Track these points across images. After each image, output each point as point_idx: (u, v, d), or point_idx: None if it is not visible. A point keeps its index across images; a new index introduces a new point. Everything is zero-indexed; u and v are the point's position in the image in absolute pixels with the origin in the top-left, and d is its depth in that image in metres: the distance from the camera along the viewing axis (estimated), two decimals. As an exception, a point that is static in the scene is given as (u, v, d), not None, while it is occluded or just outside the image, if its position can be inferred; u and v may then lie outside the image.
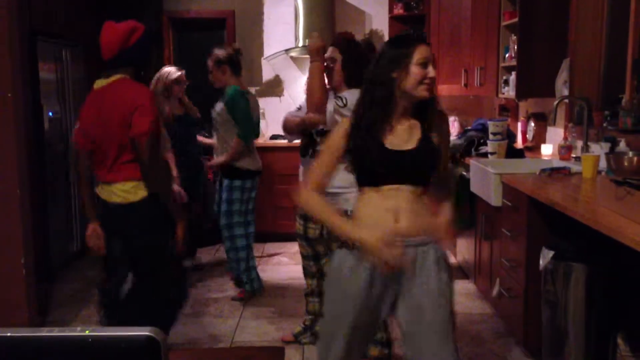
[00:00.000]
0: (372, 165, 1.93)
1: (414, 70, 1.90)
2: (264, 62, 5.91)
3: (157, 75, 4.25)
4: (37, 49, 4.38)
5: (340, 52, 2.89)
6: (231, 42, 5.26)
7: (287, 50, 5.76)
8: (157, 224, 2.75)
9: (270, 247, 5.39)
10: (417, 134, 1.96)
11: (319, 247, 3.25)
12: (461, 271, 4.56)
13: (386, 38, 5.83)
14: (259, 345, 3.38)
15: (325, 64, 2.93)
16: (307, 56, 5.78)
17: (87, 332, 1.04)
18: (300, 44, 5.58)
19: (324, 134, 2.94)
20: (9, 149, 3.28)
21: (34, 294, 3.48)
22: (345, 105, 2.77)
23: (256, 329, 3.65)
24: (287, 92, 5.96)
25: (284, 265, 4.94)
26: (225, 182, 4.00)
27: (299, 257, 5.08)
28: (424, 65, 1.90)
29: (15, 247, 3.33)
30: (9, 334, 1.04)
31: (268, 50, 5.89)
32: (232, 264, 4.13)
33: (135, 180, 2.66)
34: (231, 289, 4.29)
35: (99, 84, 2.72)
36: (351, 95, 2.83)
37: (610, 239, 2.12)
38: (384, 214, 1.91)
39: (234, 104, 3.87)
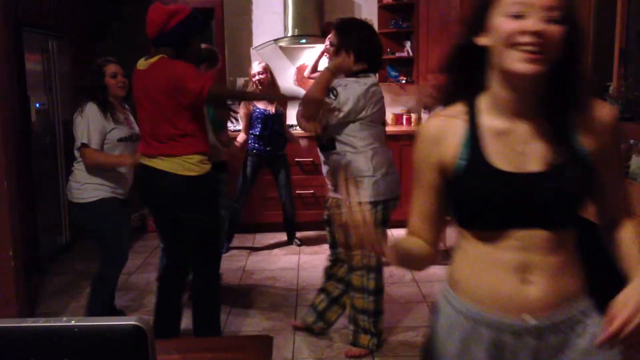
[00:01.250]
0: (479, 199, 1.23)
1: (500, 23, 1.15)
2: (253, 52, 5.88)
3: None
4: (23, 39, 4.34)
5: (338, 36, 2.84)
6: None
7: (276, 40, 5.73)
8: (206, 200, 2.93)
9: (260, 237, 5.39)
10: (548, 143, 1.21)
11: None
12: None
13: (375, 27, 5.81)
14: (249, 335, 3.38)
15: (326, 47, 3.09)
16: (296, 46, 5.80)
17: (72, 322, 1.04)
18: (290, 33, 5.55)
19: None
20: (-5, 141, 3.25)
21: (23, 287, 3.46)
22: (335, 99, 2.76)
23: (246, 319, 3.65)
24: (277, 82, 5.93)
25: (273, 255, 4.94)
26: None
27: (288, 248, 5.12)
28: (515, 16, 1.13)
29: (4, 240, 3.31)
30: (-6, 325, 1.04)
31: (257, 40, 5.86)
32: None
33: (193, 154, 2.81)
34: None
35: (141, 64, 2.87)
36: (345, 90, 2.79)
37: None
38: (504, 275, 1.22)
39: None
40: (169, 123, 2.78)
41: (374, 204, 2.89)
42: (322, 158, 3.11)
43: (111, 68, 3.22)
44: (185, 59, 2.80)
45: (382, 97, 3.03)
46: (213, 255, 3.09)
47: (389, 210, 2.96)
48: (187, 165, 2.80)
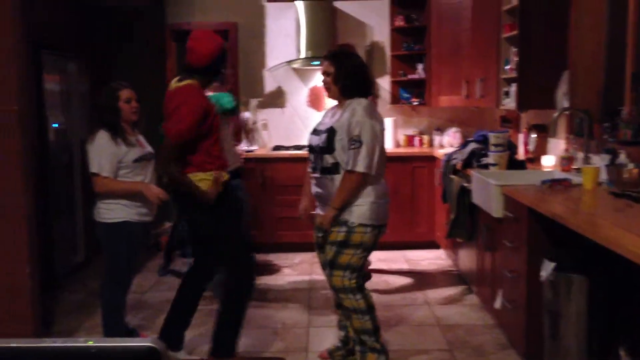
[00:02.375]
0: None
1: None
2: (266, 73, 5.95)
3: None
4: (41, 61, 4.43)
5: (333, 65, 2.95)
6: None
7: (289, 62, 5.80)
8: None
9: (273, 257, 5.40)
10: None
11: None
12: (463, 282, 4.56)
13: (387, 50, 5.87)
14: (261, 356, 3.38)
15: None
16: (309, 67, 5.86)
17: (90, 342, 1.06)
18: (302, 55, 5.62)
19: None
20: (14, 161, 3.31)
21: (39, 305, 3.50)
22: (360, 144, 2.86)
23: (259, 339, 3.65)
24: (290, 103, 6.00)
25: (286, 275, 4.95)
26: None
27: (301, 268, 5.13)
28: None
29: (21, 257, 3.35)
30: (13, 345, 1.06)
31: (270, 62, 5.94)
32: None
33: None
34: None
35: (175, 84, 3.00)
36: (365, 130, 2.89)
37: (610, 250, 2.13)
38: None
39: None
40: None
41: (374, 227, 2.97)
42: (313, 180, 3.10)
43: (125, 93, 3.23)
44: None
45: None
46: (239, 270, 3.18)
47: (380, 234, 3.06)
48: (202, 180, 2.96)
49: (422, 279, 4.78)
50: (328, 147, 2.93)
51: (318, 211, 3.13)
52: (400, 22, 5.75)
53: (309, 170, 3.13)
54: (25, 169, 3.35)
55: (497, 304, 3.47)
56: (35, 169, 3.62)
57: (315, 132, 3.09)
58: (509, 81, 4.37)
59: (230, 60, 5.86)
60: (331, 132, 2.93)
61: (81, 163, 4.96)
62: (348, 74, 2.96)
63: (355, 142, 2.86)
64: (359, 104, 2.95)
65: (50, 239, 4.49)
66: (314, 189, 3.10)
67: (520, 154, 4.66)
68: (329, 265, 3.05)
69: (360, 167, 2.85)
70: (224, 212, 3.07)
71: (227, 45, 3.09)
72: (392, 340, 3.61)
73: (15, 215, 3.33)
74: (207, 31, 3.03)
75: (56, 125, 4.67)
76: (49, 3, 4.67)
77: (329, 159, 2.95)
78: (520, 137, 4.80)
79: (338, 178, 2.94)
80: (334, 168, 2.95)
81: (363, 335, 3.07)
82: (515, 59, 4.17)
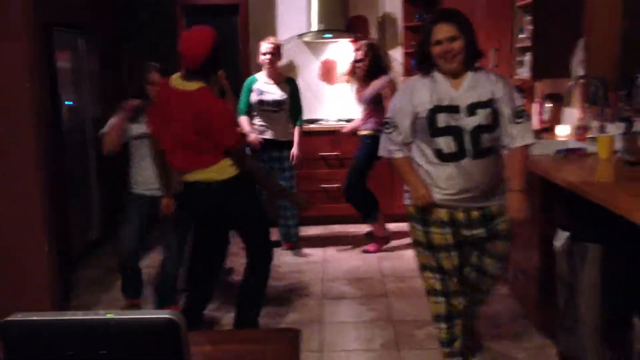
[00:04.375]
0: None
1: None
2: (277, 47, 5.91)
3: None
4: (52, 38, 4.43)
5: (459, 29, 2.69)
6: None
7: (300, 36, 5.75)
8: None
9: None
10: None
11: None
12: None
13: (399, 21, 5.80)
14: (277, 328, 3.43)
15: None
16: (320, 41, 5.81)
17: (109, 315, 1.08)
18: (314, 28, 5.57)
19: None
20: (29, 139, 3.33)
21: (57, 281, 3.56)
22: (529, 118, 2.65)
23: (274, 312, 3.69)
24: (301, 77, 5.96)
25: (300, 248, 4.98)
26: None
27: (314, 241, 5.15)
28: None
29: (39, 236, 3.40)
30: (34, 318, 1.09)
31: (281, 36, 5.88)
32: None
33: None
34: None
35: (179, 84, 2.92)
36: (392, 113, 2.71)
37: (625, 220, 2.12)
38: None
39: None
40: (196, 143, 2.91)
41: None
42: (451, 167, 2.56)
43: (154, 76, 3.36)
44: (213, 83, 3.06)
45: None
46: (264, 247, 3.23)
47: None
48: (223, 170, 2.95)
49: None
50: (493, 124, 2.53)
51: (457, 204, 2.60)
52: (411, -8, 5.66)
53: (431, 154, 2.57)
54: (39, 148, 3.37)
55: None
56: (49, 147, 3.65)
57: (451, 109, 2.51)
58: (523, 50, 4.31)
59: (241, 35, 5.82)
60: (494, 107, 2.52)
61: (94, 140, 5.00)
62: (474, 38, 2.61)
63: (521, 113, 2.56)
64: (495, 74, 2.63)
65: (65, 217, 4.54)
66: (455, 180, 2.54)
67: (535, 124, 4.61)
68: (502, 259, 2.74)
69: (531, 139, 2.58)
70: (250, 202, 3.12)
71: (217, 35, 2.98)
72: (407, 310, 3.64)
73: (31, 193, 3.36)
74: (194, 30, 2.94)
75: (69, 102, 4.69)
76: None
77: (487, 138, 2.52)
78: (535, 107, 4.75)
79: (494, 159, 2.59)
80: (493, 148, 2.57)
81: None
82: (530, 27, 4.11)
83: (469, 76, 2.56)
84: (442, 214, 2.61)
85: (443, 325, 2.78)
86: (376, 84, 4.54)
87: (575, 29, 3.97)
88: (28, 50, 3.29)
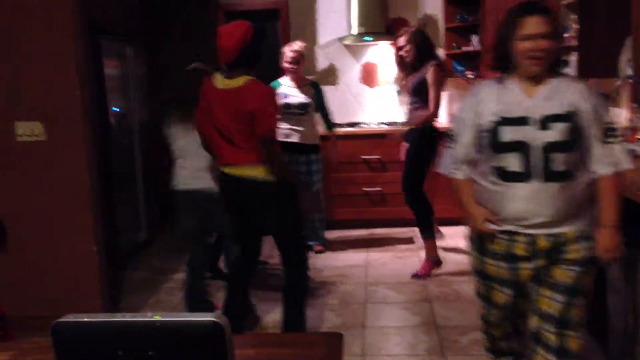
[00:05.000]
0: None
1: None
2: (317, 50, 5.94)
3: None
4: (100, 46, 4.55)
5: (551, 24, 2.37)
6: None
7: (340, 39, 5.76)
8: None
9: (328, 234, 5.43)
10: None
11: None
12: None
13: (440, 22, 5.75)
14: (319, 331, 3.44)
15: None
16: (360, 44, 5.81)
17: (156, 317, 1.11)
18: (354, 31, 5.57)
19: None
20: (79, 145, 3.45)
21: (106, 282, 3.66)
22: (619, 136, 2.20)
23: (317, 316, 3.70)
24: (342, 80, 5.97)
25: (342, 252, 4.98)
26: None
27: (356, 244, 5.15)
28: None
29: (87, 236, 3.51)
30: (85, 320, 1.12)
31: (322, 39, 5.92)
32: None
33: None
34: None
35: (222, 83, 2.96)
36: (454, 125, 2.40)
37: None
38: None
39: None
40: (248, 139, 2.95)
41: None
42: (515, 189, 2.15)
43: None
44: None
45: None
46: (302, 249, 3.26)
47: None
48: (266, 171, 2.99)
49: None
50: (571, 142, 2.09)
51: (521, 230, 2.18)
52: (453, -7, 5.61)
53: (493, 173, 2.19)
54: (89, 152, 3.48)
55: None
56: (98, 152, 3.75)
57: (520, 121, 2.12)
58: (568, 49, 4.21)
59: (282, 39, 5.87)
60: (575, 122, 2.09)
61: (140, 144, 5.12)
62: (563, 40, 2.42)
63: (612, 132, 2.12)
64: (581, 83, 2.20)
65: (114, 218, 4.66)
66: (520, 204, 2.13)
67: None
68: (568, 293, 2.17)
69: (627, 164, 2.13)
70: (291, 203, 3.13)
71: (259, 25, 3.00)
72: (451, 316, 3.60)
73: (81, 196, 3.47)
74: (230, 24, 2.99)
75: (117, 109, 4.81)
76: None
77: (562, 159, 2.08)
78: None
79: (573, 185, 2.12)
80: (570, 171, 2.11)
81: None
82: (575, 26, 4.02)
83: (550, 83, 2.14)
84: (500, 245, 2.22)
85: (491, 356, 2.60)
86: (422, 72, 4.26)
87: (622, 27, 3.86)
88: (77, 58, 3.40)
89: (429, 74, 4.20)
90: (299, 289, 3.21)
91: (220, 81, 2.98)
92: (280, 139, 4.52)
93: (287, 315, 3.21)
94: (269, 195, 3.02)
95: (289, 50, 4.62)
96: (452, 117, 2.45)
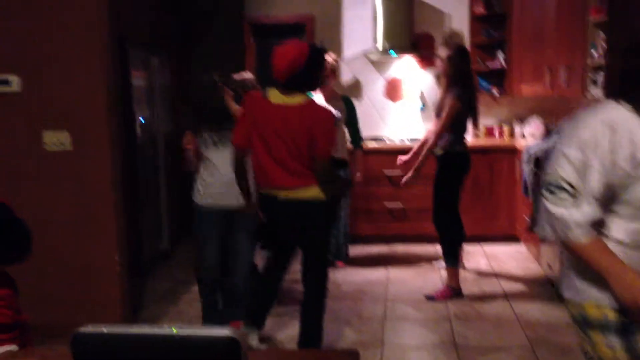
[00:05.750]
0: None
1: None
2: (342, 64, 5.95)
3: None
4: (128, 57, 4.62)
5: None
6: None
7: (365, 53, 5.77)
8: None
9: (349, 249, 5.41)
10: None
11: None
12: (544, 277, 4.42)
13: (466, 38, 5.73)
14: (336, 348, 3.41)
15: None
16: (385, 59, 5.80)
17: (174, 330, 1.12)
18: (379, 45, 5.58)
19: None
20: (105, 154, 3.49)
21: (128, 291, 3.68)
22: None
23: (335, 332, 3.68)
24: (366, 94, 5.98)
25: (362, 267, 4.95)
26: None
27: (377, 260, 5.12)
28: None
29: (110, 245, 3.54)
30: (104, 331, 1.13)
31: (347, 53, 5.93)
32: None
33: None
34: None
35: (284, 99, 2.93)
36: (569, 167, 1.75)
37: None
38: None
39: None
40: (300, 160, 2.95)
41: None
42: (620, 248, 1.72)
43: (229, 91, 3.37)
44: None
45: None
46: (326, 266, 3.26)
47: None
48: (319, 191, 3.00)
49: (500, 274, 4.66)
50: None
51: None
52: (480, 9, 5.59)
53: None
54: (114, 162, 3.52)
55: None
56: (123, 162, 3.80)
57: None
58: (596, 69, 4.16)
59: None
60: None
61: (164, 155, 5.17)
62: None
63: None
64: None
65: (137, 228, 4.69)
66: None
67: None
68: None
69: None
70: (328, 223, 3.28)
71: (319, 48, 3.02)
72: (470, 335, 3.55)
73: (105, 205, 3.51)
74: (285, 44, 2.93)
75: (142, 119, 4.87)
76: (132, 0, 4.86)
77: None
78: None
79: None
80: None
81: None
82: (603, 44, 3.97)
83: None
84: None
85: None
86: (447, 96, 4.13)
87: (653, 46, 3.81)
88: (105, 68, 3.45)
89: (447, 102, 4.08)
90: (318, 306, 3.19)
91: (276, 96, 2.95)
92: None
93: (305, 331, 3.18)
94: (319, 214, 3.05)
95: None
96: (560, 155, 1.74)
